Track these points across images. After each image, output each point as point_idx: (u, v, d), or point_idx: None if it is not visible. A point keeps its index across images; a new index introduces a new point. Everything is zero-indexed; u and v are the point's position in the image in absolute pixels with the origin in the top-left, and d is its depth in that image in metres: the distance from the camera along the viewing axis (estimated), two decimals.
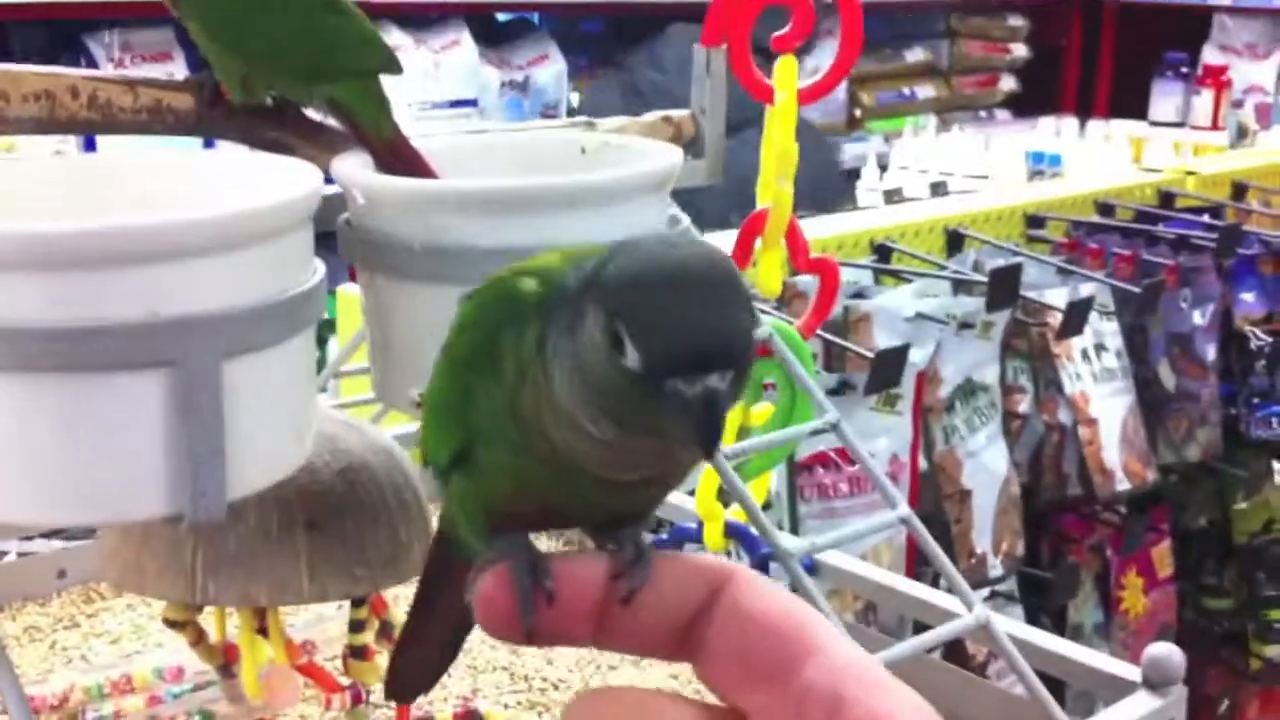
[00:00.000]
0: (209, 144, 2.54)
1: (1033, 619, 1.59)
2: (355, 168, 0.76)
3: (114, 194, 0.69)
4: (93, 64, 2.85)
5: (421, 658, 0.58)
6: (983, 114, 4.24)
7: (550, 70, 3.44)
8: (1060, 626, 1.73)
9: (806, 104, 1.01)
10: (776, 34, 0.99)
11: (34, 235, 0.56)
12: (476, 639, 1.02)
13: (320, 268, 0.67)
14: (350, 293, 1.44)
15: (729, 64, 0.99)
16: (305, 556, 0.76)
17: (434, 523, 0.86)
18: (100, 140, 2.57)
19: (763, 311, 0.93)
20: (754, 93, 0.98)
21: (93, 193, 0.70)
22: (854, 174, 3.13)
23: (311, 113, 0.84)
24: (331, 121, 0.83)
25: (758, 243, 0.96)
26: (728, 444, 0.89)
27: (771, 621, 0.38)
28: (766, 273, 0.96)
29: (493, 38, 3.44)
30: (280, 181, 0.66)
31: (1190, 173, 2.21)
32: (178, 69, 2.91)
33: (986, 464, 1.56)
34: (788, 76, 0.99)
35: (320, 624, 1.02)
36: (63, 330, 0.56)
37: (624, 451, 0.39)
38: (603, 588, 0.40)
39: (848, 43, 1.00)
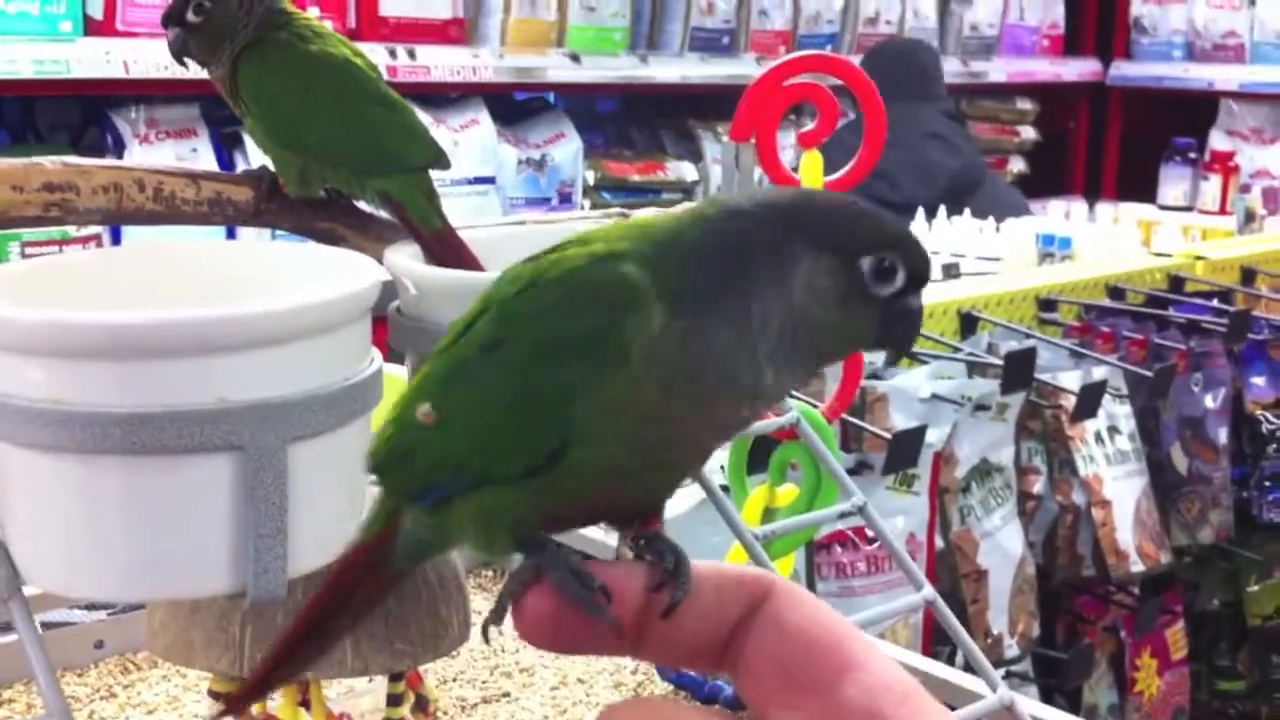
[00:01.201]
0: (231, 233, 2.57)
1: (1047, 700, 1.61)
2: (406, 259, 0.79)
3: (178, 282, 0.73)
4: (118, 140, 2.90)
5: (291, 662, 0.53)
6: None
7: (567, 148, 3.49)
8: (1075, 708, 1.74)
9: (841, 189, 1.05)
10: (802, 131, 1.03)
11: (111, 325, 0.60)
12: None
13: (377, 356, 0.70)
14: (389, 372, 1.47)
15: (757, 158, 1.03)
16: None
17: (470, 599, 0.89)
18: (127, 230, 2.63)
19: (789, 395, 0.96)
20: (782, 185, 1.02)
21: (156, 282, 0.73)
22: None
23: (363, 205, 0.88)
24: (382, 213, 0.87)
25: None
26: (753, 525, 0.92)
27: (812, 636, 0.38)
28: None
29: (510, 117, 3.50)
30: (341, 274, 0.69)
31: (1199, 257, 2.25)
32: (202, 145, 2.97)
33: (1002, 544, 1.58)
34: (814, 170, 1.03)
35: (354, 698, 1.04)
36: (137, 416, 0.60)
37: (753, 410, 0.43)
38: (643, 598, 0.40)
39: (871, 137, 1.04)
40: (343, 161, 0.84)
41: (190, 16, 0.82)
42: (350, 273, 0.69)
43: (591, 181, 3.53)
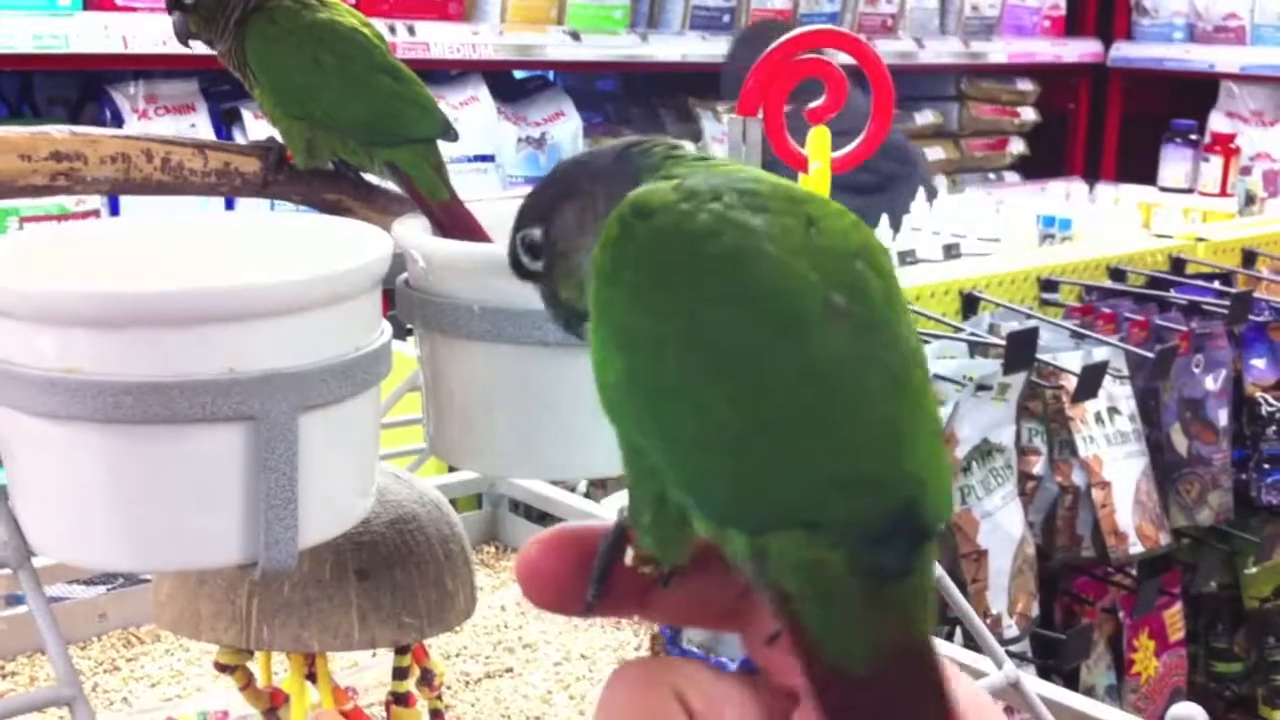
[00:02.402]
0: (229, 204, 2.56)
1: (1045, 680, 1.61)
2: (415, 231, 0.79)
3: (188, 254, 0.73)
4: (117, 114, 2.89)
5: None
6: (991, 176, 4.30)
7: (566, 127, 3.49)
8: (1072, 688, 1.74)
9: (839, 172, 1.05)
10: (811, 106, 1.03)
11: (124, 295, 0.60)
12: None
13: (387, 328, 0.70)
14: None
15: (764, 133, 1.03)
16: (356, 604, 0.79)
17: (475, 573, 0.89)
18: (124, 201, 2.62)
19: None
20: (789, 162, 1.02)
21: (166, 253, 0.73)
22: None
23: (371, 177, 0.87)
24: (390, 185, 0.86)
25: None
26: None
27: None
28: None
29: (510, 94, 3.49)
30: (351, 245, 0.69)
31: (1200, 239, 2.25)
32: (200, 120, 2.96)
33: (1002, 524, 1.58)
34: (822, 146, 1.03)
35: (358, 671, 1.04)
36: (148, 385, 0.59)
37: None
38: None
39: (879, 114, 1.03)
40: (350, 132, 0.84)
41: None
42: (360, 244, 0.68)
43: None
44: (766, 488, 0.34)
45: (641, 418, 0.37)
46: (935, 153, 4.10)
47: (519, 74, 3.67)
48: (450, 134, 0.87)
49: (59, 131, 0.76)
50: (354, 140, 0.84)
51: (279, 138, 0.85)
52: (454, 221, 0.83)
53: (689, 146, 0.43)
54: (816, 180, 1.01)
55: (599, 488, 1.52)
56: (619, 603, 0.39)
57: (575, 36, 3.38)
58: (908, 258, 2.44)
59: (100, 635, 1.11)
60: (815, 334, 0.35)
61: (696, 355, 0.35)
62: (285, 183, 0.84)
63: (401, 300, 0.78)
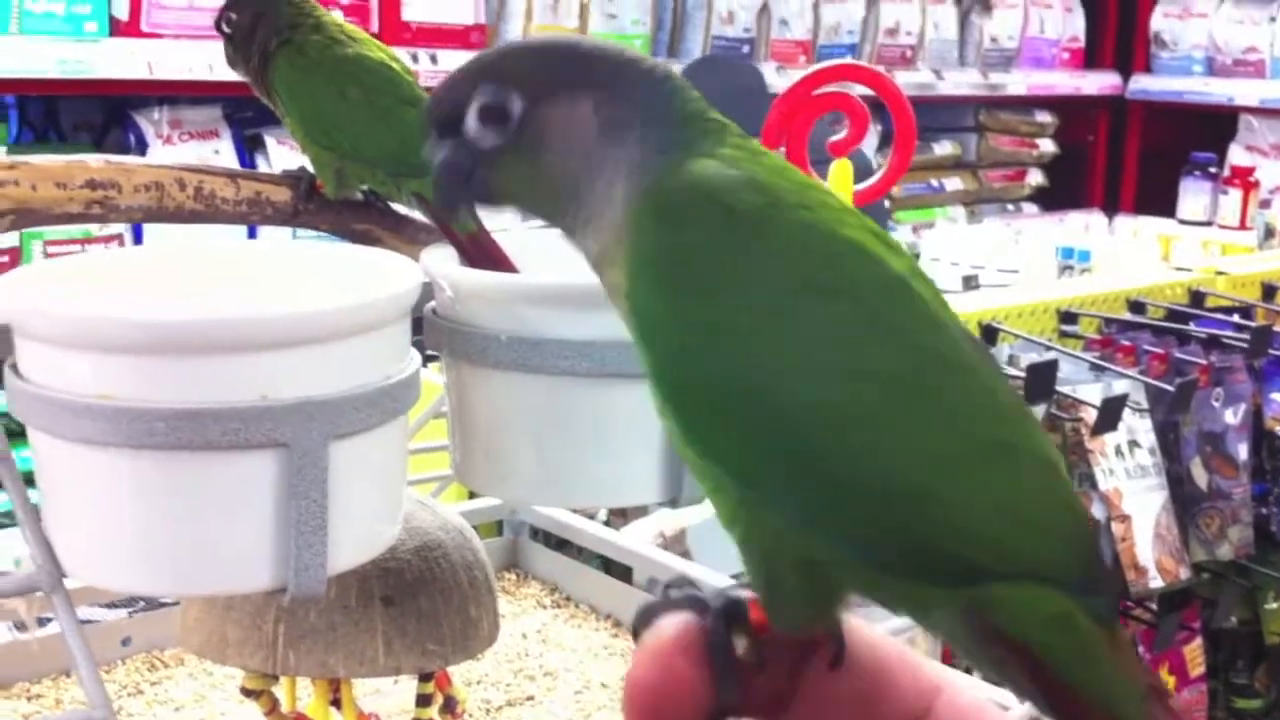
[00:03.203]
0: (251, 232, 2.56)
1: None
2: (442, 260, 0.80)
3: (221, 281, 0.74)
4: (141, 139, 2.92)
5: None
6: (1010, 207, 4.30)
7: None
8: None
9: (860, 205, 1.05)
10: (832, 139, 1.04)
11: (161, 323, 0.60)
12: None
13: (416, 357, 0.70)
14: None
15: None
16: (382, 630, 0.79)
17: (499, 601, 0.89)
18: (147, 225, 2.64)
19: None
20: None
21: (199, 280, 0.74)
22: None
23: (399, 206, 0.88)
24: (417, 215, 0.87)
25: None
26: None
27: (883, 664, 0.34)
28: None
29: None
30: (381, 275, 0.70)
31: (1220, 272, 2.25)
32: (224, 146, 2.98)
33: None
34: (844, 179, 1.04)
35: (380, 697, 1.04)
36: (183, 412, 0.60)
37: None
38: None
39: (901, 148, 1.04)
40: (379, 163, 0.85)
41: (224, 28, 0.84)
42: (390, 274, 0.69)
43: None
44: (984, 534, 0.31)
45: (779, 463, 0.31)
46: (954, 183, 4.11)
47: None
48: None
49: (94, 160, 0.77)
50: (382, 171, 0.85)
51: (309, 167, 0.86)
52: (480, 251, 0.84)
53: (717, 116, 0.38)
54: None
55: (619, 516, 1.52)
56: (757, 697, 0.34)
57: None
58: None
59: (124, 659, 1.11)
60: (979, 366, 0.33)
61: (871, 388, 0.31)
62: (315, 212, 0.85)
63: (429, 329, 0.79)
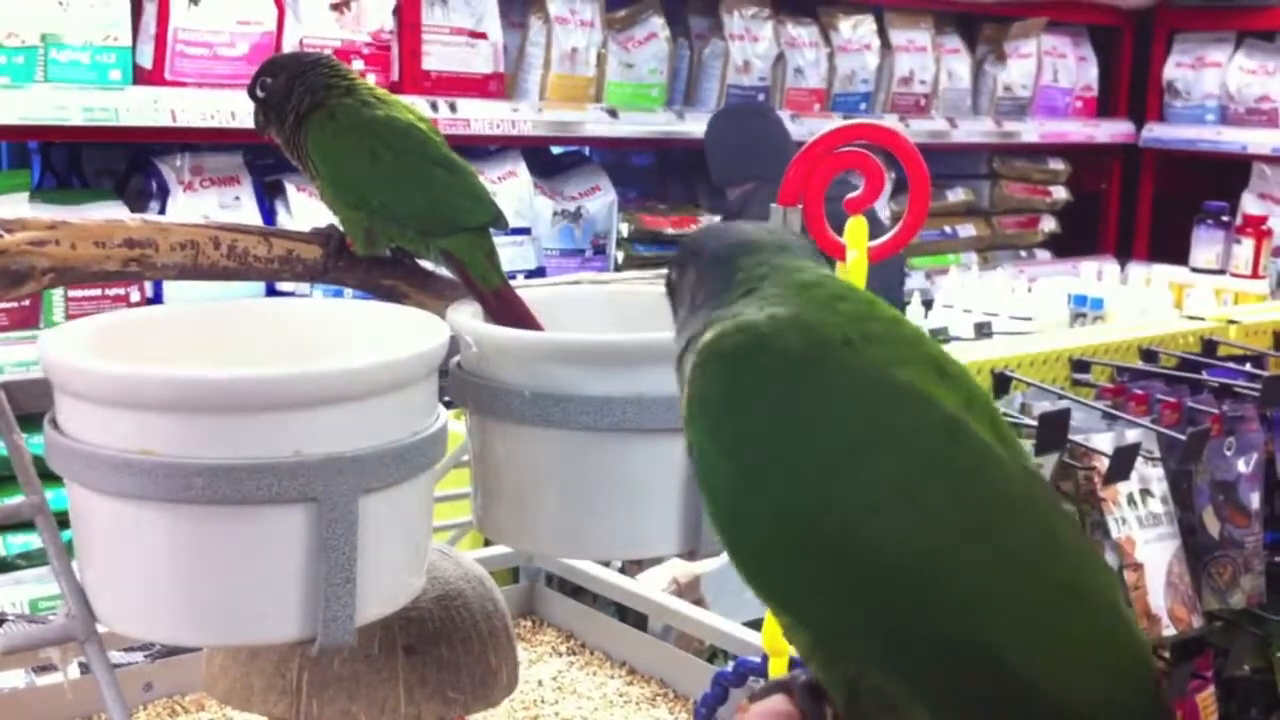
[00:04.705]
0: (271, 289, 2.57)
1: None
2: (468, 316, 0.82)
3: (253, 339, 0.76)
4: (163, 186, 2.95)
5: None
6: (1023, 253, 4.32)
7: (601, 201, 3.54)
8: None
9: (875, 261, 1.07)
10: (849, 196, 1.06)
11: (199, 381, 0.63)
12: None
13: (443, 413, 0.72)
14: None
15: (804, 222, 1.06)
16: (403, 679, 0.81)
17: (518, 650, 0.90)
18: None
19: None
20: (827, 250, 1.04)
21: (232, 338, 0.76)
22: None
23: (425, 263, 0.91)
24: (443, 271, 0.90)
25: None
26: None
27: None
28: None
29: (547, 169, 3.55)
30: (409, 332, 0.72)
31: (1232, 321, 2.26)
32: (244, 192, 3.01)
33: None
34: (859, 236, 1.06)
35: None
36: (219, 467, 0.62)
37: None
38: None
39: (915, 206, 1.06)
40: (408, 221, 0.87)
41: (258, 93, 0.86)
42: (418, 331, 0.71)
43: (625, 234, 3.57)
44: (1047, 681, 0.31)
45: (840, 613, 0.33)
46: (967, 229, 4.13)
47: (556, 149, 3.74)
48: (501, 223, 0.90)
49: (131, 219, 0.79)
50: (411, 229, 0.87)
51: (338, 225, 0.89)
52: (505, 307, 0.86)
53: (796, 252, 0.42)
54: (853, 269, 1.04)
55: (634, 563, 1.54)
56: None
57: (613, 114, 3.44)
58: (939, 335, 2.46)
59: (145, 704, 1.13)
60: (1039, 502, 0.34)
61: (929, 536, 0.32)
62: (344, 268, 0.87)
63: (454, 383, 0.81)
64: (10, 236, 0.75)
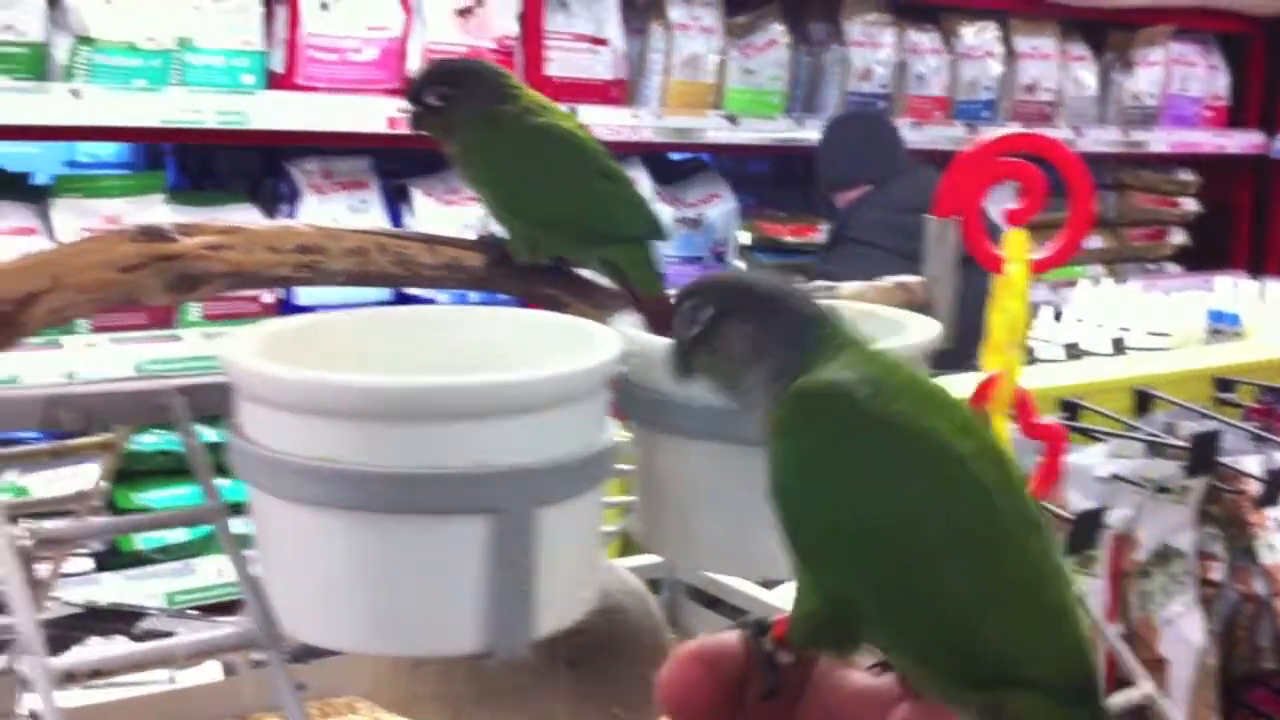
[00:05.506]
0: (400, 296, 2.57)
1: None
2: (632, 326, 0.81)
3: (428, 346, 0.76)
4: (294, 190, 3.01)
5: None
6: (1151, 266, 4.22)
7: (721, 208, 3.53)
8: None
9: (1038, 274, 1.04)
10: (1010, 207, 1.03)
11: (384, 389, 0.62)
12: None
13: (613, 425, 0.71)
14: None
15: (961, 234, 1.03)
16: (566, 692, 0.80)
17: None
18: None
19: None
20: (986, 264, 1.02)
21: (408, 345, 0.76)
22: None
23: (585, 272, 0.90)
24: (603, 280, 0.89)
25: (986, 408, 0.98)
26: None
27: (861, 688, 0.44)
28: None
29: (667, 176, 3.55)
30: (580, 342, 0.71)
31: None
32: (372, 196, 3.05)
33: (1183, 633, 1.54)
34: (1019, 248, 1.03)
35: None
36: (401, 476, 0.62)
37: None
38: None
39: (1077, 217, 1.03)
40: (570, 231, 0.86)
41: (432, 100, 0.86)
42: (594, 341, 0.71)
43: (746, 241, 3.56)
44: (1010, 651, 0.42)
45: (877, 596, 0.44)
46: (1094, 241, 4.04)
47: (675, 156, 3.73)
48: (660, 233, 0.89)
49: (303, 226, 0.80)
50: (572, 238, 0.87)
51: (500, 233, 0.88)
52: (666, 316, 0.85)
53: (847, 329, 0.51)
54: (1014, 281, 1.01)
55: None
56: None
57: (732, 120, 3.42)
58: (1073, 349, 2.40)
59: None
60: (1027, 530, 0.43)
61: (945, 557, 0.43)
62: (505, 277, 0.87)
63: (621, 395, 0.80)
64: (187, 241, 0.75)
